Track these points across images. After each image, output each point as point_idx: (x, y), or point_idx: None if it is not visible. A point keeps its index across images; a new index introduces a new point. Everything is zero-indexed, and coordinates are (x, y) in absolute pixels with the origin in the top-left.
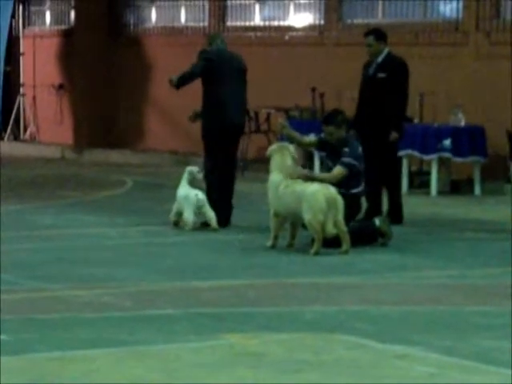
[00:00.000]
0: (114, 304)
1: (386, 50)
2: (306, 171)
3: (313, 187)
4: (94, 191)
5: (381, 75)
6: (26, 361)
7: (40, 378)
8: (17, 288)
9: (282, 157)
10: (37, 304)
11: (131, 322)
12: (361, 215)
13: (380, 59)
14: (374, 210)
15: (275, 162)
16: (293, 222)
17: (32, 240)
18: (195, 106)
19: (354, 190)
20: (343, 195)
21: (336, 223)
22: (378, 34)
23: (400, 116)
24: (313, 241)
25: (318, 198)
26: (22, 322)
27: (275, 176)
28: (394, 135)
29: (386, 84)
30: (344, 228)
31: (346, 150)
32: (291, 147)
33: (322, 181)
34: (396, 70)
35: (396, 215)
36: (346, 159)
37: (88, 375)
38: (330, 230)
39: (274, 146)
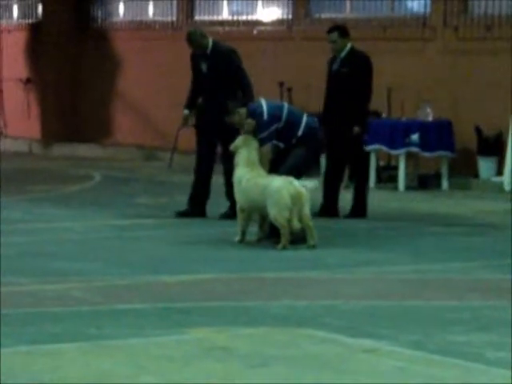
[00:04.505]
0: (82, 298)
1: (349, 46)
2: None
3: (276, 182)
4: (62, 185)
5: (344, 70)
6: None
7: (7, 373)
8: None
9: (248, 151)
10: (3, 298)
11: (99, 316)
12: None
13: (343, 54)
14: (330, 205)
15: (241, 157)
16: (261, 215)
17: None
18: (162, 100)
19: (299, 133)
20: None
21: (301, 218)
22: (342, 30)
23: (363, 110)
24: (279, 235)
25: (282, 194)
26: None
27: (240, 170)
28: (356, 130)
29: (349, 79)
30: (310, 222)
31: (253, 121)
32: (256, 141)
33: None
34: (359, 64)
35: (360, 210)
36: (261, 135)
37: (55, 369)
38: (295, 225)
39: (238, 141)
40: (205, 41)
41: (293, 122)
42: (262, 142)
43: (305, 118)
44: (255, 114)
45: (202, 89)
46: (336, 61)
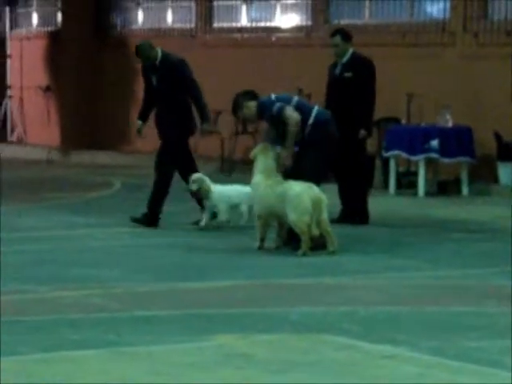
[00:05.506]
0: (102, 305)
1: (351, 50)
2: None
3: (296, 187)
4: (81, 193)
5: (347, 75)
6: (12, 362)
7: (26, 380)
8: (4, 290)
9: (266, 158)
10: (23, 306)
11: (119, 323)
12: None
13: (345, 59)
14: (350, 209)
15: (259, 164)
16: (279, 222)
17: (18, 242)
18: None
19: (310, 121)
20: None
21: (320, 223)
22: (345, 34)
23: (368, 114)
24: (297, 242)
25: (302, 198)
26: (7, 324)
27: (257, 178)
28: (362, 133)
29: (352, 83)
30: (329, 228)
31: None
32: (275, 148)
33: (291, 143)
34: (362, 68)
35: (362, 215)
36: (275, 109)
37: (75, 376)
38: (313, 230)
39: (257, 148)
40: (153, 52)
41: (303, 108)
42: (278, 111)
43: (316, 108)
44: (264, 105)
45: (155, 100)
46: (338, 66)
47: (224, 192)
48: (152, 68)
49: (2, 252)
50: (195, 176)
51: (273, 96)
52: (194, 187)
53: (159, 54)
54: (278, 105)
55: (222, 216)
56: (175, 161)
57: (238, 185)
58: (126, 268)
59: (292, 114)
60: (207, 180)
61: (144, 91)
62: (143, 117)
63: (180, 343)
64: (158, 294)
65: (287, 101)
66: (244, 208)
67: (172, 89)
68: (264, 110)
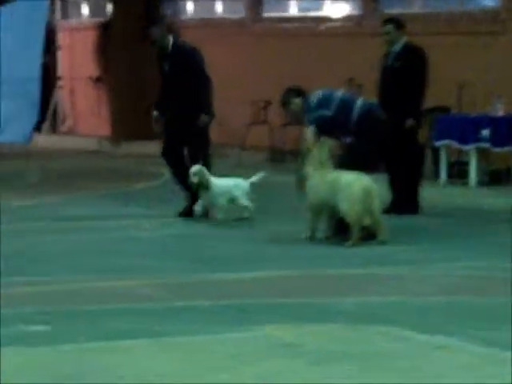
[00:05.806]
0: (149, 295)
1: (403, 39)
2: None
3: (347, 177)
4: (131, 183)
5: (397, 64)
6: (61, 352)
7: (75, 369)
8: (52, 280)
9: (318, 149)
10: (71, 295)
11: (166, 313)
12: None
13: (397, 48)
14: (403, 199)
15: (312, 156)
16: (329, 213)
17: (65, 231)
18: (231, 97)
19: (355, 112)
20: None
21: (371, 213)
22: (398, 22)
23: (416, 104)
24: (346, 232)
25: (354, 188)
26: (56, 314)
27: (309, 168)
28: (409, 122)
29: (403, 73)
30: (380, 217)
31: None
32: (329, 141)
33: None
34: (414, 58)
35: (412, 205)
36: (306, 118)
37: (121, 366)
38: (365, 220)
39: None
40: (166, 41)
41: (346, 102)
42: (308, 123)
43: (360, 99)
44: (305, 108)
45: (167, 88)
46: (389, 56)
47: (223, 186)
48: (165, 56)
49: (53, 241)
50: (195, 168)
51: (315, 100)
52: (194, 179)
53: (171, 42)
54: (308, 117)
55: (221, 214)
56: (206, 145)
57: (240, 178)
58: (174, 258)
59: (308, 136)
60: (207, 172)
61: (161, 80)
62: (159, 107)
63: (226, 333)
64: (206, 283)
65: (329, 100)
66: (244, 202)
67: (183, 77)
68: (305, 111)
